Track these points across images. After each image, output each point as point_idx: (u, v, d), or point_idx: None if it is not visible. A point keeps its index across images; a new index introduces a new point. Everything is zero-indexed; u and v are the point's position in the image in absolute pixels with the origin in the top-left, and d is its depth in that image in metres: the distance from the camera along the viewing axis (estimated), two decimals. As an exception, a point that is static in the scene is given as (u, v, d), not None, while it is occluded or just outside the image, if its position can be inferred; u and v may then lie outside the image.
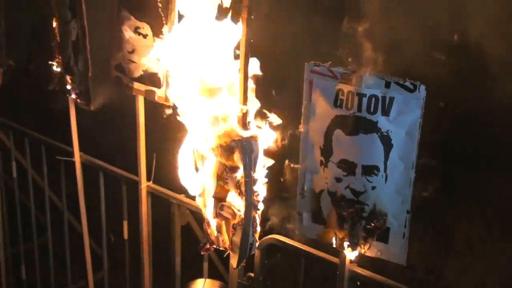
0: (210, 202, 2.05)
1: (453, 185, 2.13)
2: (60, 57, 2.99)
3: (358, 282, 2.13)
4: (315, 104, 1.98)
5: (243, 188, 1.97)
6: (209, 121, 2.01)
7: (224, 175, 2.01)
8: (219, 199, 2.06)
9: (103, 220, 3.22)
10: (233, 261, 2.06)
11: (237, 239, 2.01)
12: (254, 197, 1.99)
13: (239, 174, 1.97)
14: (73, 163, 3.13)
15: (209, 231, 2.10)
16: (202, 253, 2.30)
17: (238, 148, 1.90)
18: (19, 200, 3.82)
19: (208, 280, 2.66)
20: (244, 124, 1.98)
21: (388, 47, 1.79)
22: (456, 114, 2.12)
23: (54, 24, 2.96)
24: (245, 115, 2.00)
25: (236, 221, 2.01)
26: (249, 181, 1.94)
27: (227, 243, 2.06)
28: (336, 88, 1.92)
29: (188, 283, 2.68)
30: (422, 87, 1.80)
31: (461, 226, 2.16)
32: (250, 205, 1.96)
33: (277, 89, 2.03)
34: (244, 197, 1.96)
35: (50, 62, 3.05)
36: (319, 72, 1.94)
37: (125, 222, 3.03)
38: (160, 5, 2.46)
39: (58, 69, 3.01)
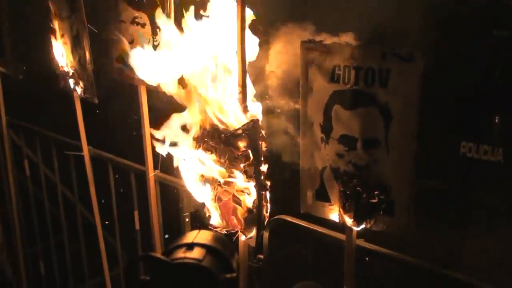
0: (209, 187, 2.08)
1: (456, 154, 2.10)
2: (63, 54, 3.02)
3: (367, 258, 2.12)
4: (312, 81, 1.97)
5: (250, 172, 1.99)
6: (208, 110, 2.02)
7: (228, 161, 2.02)
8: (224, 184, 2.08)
9: (114, 211, 3.25)
10: (251, 241, 2.09)
11: (251, 219, 2.03)
12: (262, 177, 2.00)
13: (244, 158, 1.98)
14: (83, 157, 3.16)
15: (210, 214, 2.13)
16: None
17: (243, 133, 1.92)
18: (34, 197, 3.88)
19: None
20: (244, 107, 1.99)
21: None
22: (456, 81, 2.09)
23: (55, 22, 2.99)
24: (244, 96, 2.00)
25: (250, 205, 2.03)
26: (258, 163, 1.95)
27: (238, 226, 2.08)
28: (333, 64, 1.90)
29: None
30: (419, 56, 1.77)
31: (467, 195, 2.13)
32: (261, 186, 1.98)
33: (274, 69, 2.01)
34: (253, 180, 1.98)
35: (54, 60, 3.08)
36: (314, 48, 1.93)
37: (136, 212, 3.05)
38: (155, -7, 2.47)
39: (63, 66, 3.04)
